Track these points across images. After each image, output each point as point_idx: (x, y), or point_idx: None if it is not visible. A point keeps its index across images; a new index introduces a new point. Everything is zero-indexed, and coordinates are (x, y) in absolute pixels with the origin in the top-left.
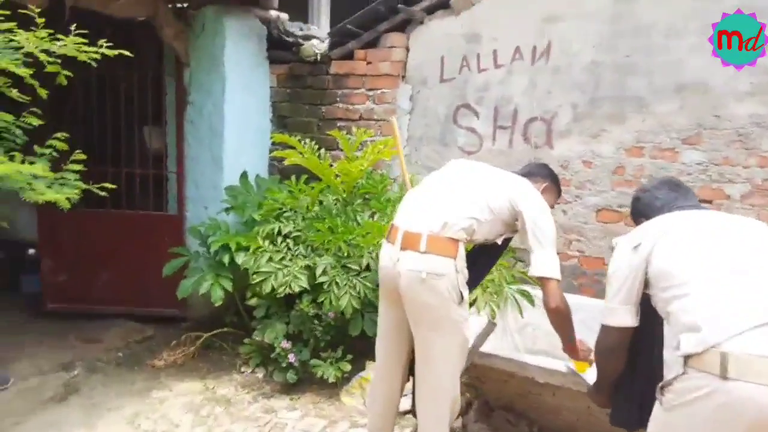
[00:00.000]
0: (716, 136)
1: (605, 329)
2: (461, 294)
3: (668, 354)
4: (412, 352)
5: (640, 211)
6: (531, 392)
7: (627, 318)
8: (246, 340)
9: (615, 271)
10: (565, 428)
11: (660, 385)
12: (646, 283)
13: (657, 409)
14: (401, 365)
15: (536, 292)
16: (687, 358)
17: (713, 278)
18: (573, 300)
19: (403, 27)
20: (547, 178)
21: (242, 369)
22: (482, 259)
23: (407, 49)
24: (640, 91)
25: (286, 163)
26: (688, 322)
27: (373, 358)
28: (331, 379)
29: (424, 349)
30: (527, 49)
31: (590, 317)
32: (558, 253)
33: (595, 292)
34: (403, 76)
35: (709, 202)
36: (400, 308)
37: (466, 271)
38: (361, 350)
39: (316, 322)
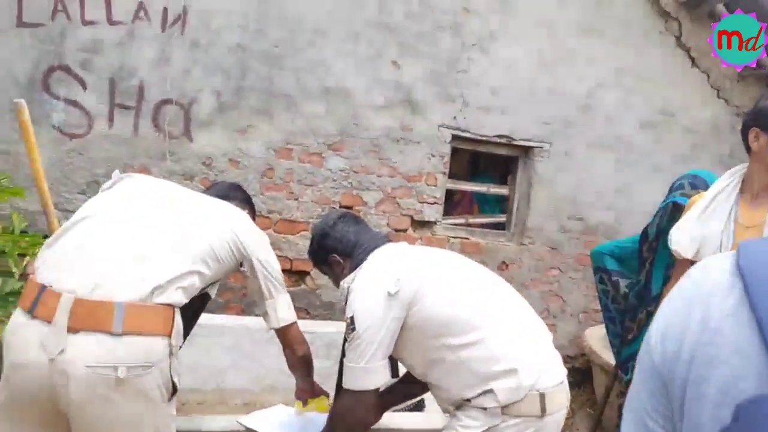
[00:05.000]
0: (356, 144)
1: (359, 396)
2: (173, 385)
3: (465, 404)
4: None
5: (332, 247)
6: None
7: (386, 374)
8: None
9: (371, 323)
10: None
11: None
12: None
13: None
14: None
15: None
16: (504, 407)
17: (497, 321)
18: None
19: None
20: (247, 205)
21: None
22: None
23: None
24: (288, 88)
25: None
26: (497, 369)
27: None
28: None
29: None
30: (155, 9)
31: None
32: None
33: (241, 309)
34: None
35: (350, 208)
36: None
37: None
38: None
39: None
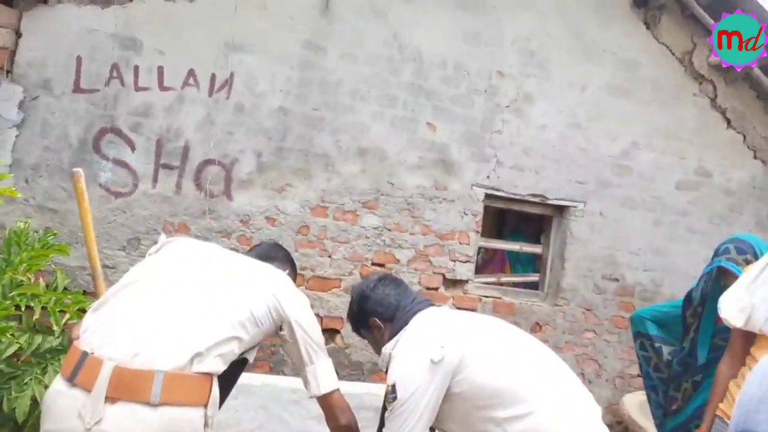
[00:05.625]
0: (390, 203)
1: None
2: None
3: None
4: None
5: (372, 311)
6: None
7: None
8: None
9: (414, 392)
10: None
11: None
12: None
13: None
14: None
15: None
16: None
17: (546, 393)
18: None
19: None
20: (288, 264)
21: None
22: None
23: (17, 33)
24: (326, 148)
25: None
26: None
27: None
28: None
29: None
30: (204, 75)
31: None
32: None
33: (270, 367)
34: (9, 71)
35: (382, 266)
36: None
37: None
38: None
39: None
